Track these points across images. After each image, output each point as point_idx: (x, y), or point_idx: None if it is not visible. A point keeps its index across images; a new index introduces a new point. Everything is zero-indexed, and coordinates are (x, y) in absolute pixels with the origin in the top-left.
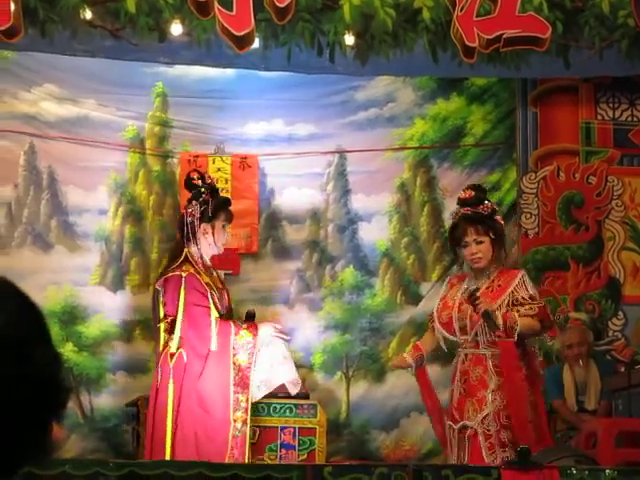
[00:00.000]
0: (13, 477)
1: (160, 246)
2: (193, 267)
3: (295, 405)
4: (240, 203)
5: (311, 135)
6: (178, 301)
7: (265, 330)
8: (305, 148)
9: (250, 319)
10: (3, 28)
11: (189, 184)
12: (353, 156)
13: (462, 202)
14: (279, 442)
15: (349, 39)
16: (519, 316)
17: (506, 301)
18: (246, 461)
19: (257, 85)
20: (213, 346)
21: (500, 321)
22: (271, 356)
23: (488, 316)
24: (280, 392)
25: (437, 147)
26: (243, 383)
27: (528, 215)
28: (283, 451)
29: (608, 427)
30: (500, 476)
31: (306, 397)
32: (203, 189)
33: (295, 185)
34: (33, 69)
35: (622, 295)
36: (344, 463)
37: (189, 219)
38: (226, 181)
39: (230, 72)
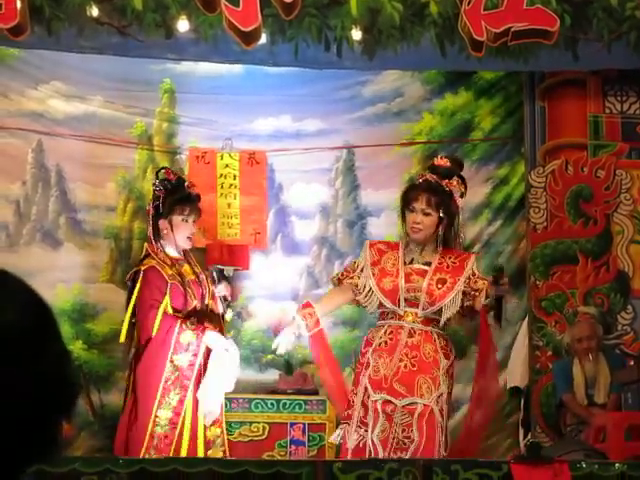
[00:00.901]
0: (22, 475)
1: None
2: (154, 260)
3: (304, 401)
4: (248, 199)
5: (319, 130)
6: (132, 294)
7: (213, 338)
8: (313, 144)
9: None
10: (9, 26)
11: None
12: (361, 151)
13: (431, 168)
14: (289, 438)
15: (356, 34)
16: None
17: (463, 281)
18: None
19: (265, 81)
20: (153, 332)
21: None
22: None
23: (499, 302)
24: (290, 388)
25: (445, 142)
26: (180, 383)
27: (536, 209)
28: (293, 447)
29: (618, 421)
30: (510, 470)
31: (315, 393)
32: (157, 186)
33: (303, 181)
34: (40, 66)
35: (631, 289)
36: (354, 459)
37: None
38: (234, 177)
39: (238, 68)
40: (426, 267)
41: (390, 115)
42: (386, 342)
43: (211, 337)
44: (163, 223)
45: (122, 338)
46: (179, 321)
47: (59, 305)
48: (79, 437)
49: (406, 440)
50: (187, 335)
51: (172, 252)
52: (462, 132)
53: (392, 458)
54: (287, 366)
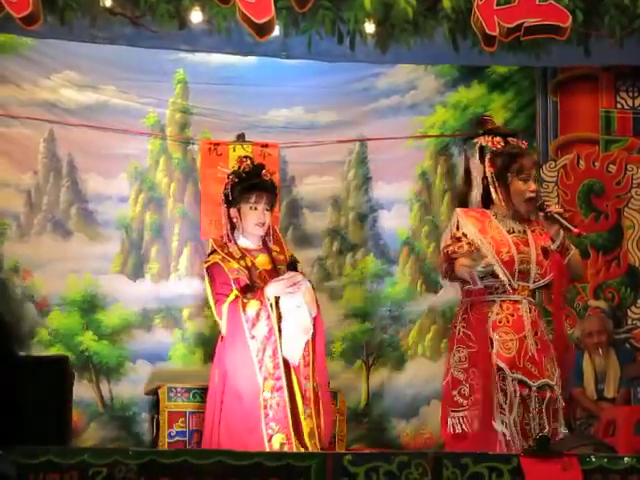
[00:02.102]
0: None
1: (181, 234)
2: (219, 255)
3: None
4: None
5: (332, 123)
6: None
7: (272, 290)
8: (326, 136)
9: (292, 267)
10: (22, 15)
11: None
12: (374, 144)
13: (496, 132)
14: None
15: (369, 27)
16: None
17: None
18: (290, 427)
19: (278, 72)
20: (223, 330)
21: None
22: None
23: (561, 216)
24: None
25: (458, 135)
26: (272, 350)
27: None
28: None
29: (627, 415)
30: (519, 464)
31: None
32: (229, 175)
33: (316, 173)
34: (52, 56)
35: None
36: (364, 451)
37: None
38: None
39: (251, 59)
40: (525, 236)
41: (403, 108)
42: (507, 318)
43: (270, 289)
44: (233, 212)
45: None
46: (239, 300)
47: (69, 296)
48: (89, 428)
49: (537, 428)
50: (252, 306)
51: (245, 243)
52: (475, 125)
53: (402, 451)
54: None
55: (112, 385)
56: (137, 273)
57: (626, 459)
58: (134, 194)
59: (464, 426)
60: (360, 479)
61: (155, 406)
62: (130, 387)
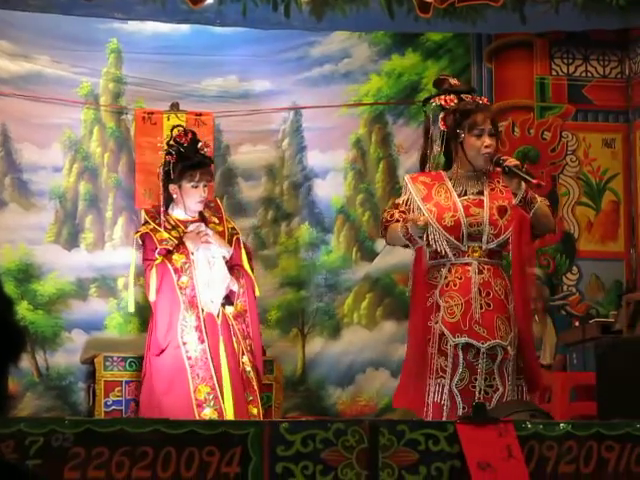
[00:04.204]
0: None
1: (115, 203)
2: (151, 225)
3: None
4: None
5: (266, 91)
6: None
7: (190, 243)
8: (260, 104)
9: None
10: None
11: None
12: (308, 112)
13: (450, 89)
14: None
15: None
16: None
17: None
18: (214, 378)
19: (212, 41)
20: (152, 295)
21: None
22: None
23: (518, 168)
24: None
25: (392, 103)
26: (192, 303)
27: None
28: None
29: (563, 382)
30: (456, 431)
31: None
32: (168, 150)
33: (250, 142)
34: None
35: (576, 250)
36: (300, 419)
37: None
38: None
39: (185, 28)
40: (480, 197)
41: (337, 76)
42: (454, 282)
43: (189, 243)
44: (173, 188)
45: (131, 308)
46: (165, 260)
47: (4, 265)
48: (24, 398)
49: (488, 389)
50: (178, 259)
51: (182, 215)
52: (409, 93)
53: (339, 418)
54: None
55: (48, 355)
56: (72, 243)
57: (561, 425)
58: (68, 164)
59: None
60: (297, 446)
61: (91, 375)
62: (66, 357)
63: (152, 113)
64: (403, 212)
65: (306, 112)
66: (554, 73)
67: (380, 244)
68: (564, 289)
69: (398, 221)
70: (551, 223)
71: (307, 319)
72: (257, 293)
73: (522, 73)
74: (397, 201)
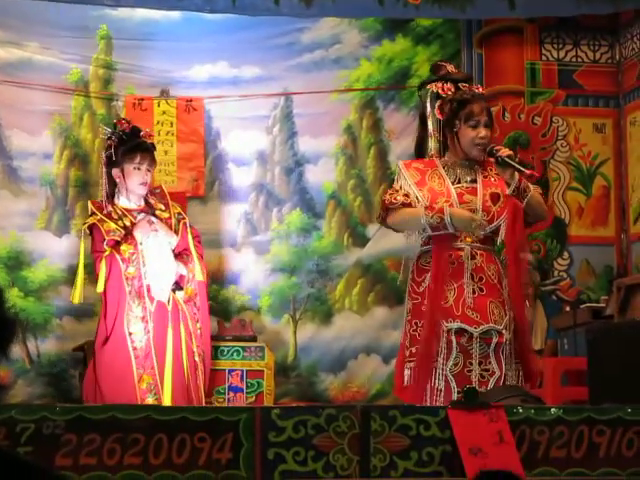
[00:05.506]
0: None
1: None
2: (98, 216)
3: (243, 348)
4: (186, 146)
5: (257, 77)
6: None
7: (139, 232)
8: (251, 90)
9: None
10: None
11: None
12: (299, 98)
13: (447, 77)
14: (227, 385)
15: None
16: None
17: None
18: (155, 369)
19: (202, 27)
20: (101, 286)
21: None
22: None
23: (511, 159)
24: (228, 335)
25: (383, 89)
26: (136, 293)
27: None
28: (231, 394)
29: (554, 366)
30: (447, 416)
31: (254, 339)
32: (109, 138)
33: (241, 128)
34: None
35: (567, 235)
36: (292, 405)
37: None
38: (171, 124)
39: (175, 14)
40: (474, 185)
41: (328, 62)
42: (448, 267)
43: (137, 232)
44: (116, 172)
45: (76, 299)
46: (114, 251)
47: None
48: (16, 385)
49: (484, 373)
50: (125, 250)
51: (127, 203)
52: (400, 79)
53: (330, 404)
54: (225, 313)
55: (39, 342)
56: (62, 229)
57: (553, 410)
58: (58, 151)
59: (408, 378)
60: (288, 432)
61: (82, 362)
62: (57, 344)
63: (142, 99)
64: (406, 195)
65: (297, 98)
66: (544, 58)
67: (372, 229)
68: (555, 274)
69: (405, 205)
70: (544, 211)
71: (298, 305)
72: (200, 278)
73: (512, 58)
74: (395, 187)
